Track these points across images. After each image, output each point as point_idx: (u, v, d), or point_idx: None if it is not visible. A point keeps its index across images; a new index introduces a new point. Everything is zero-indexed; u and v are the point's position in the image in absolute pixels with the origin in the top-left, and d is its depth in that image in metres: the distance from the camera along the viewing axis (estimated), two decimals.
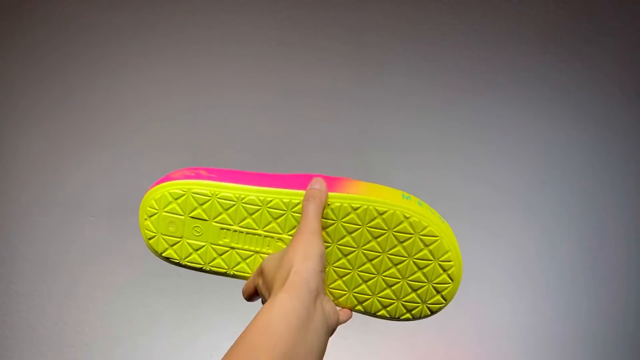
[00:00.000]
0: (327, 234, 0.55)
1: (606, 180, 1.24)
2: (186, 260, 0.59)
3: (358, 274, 0.56)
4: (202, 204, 0.57)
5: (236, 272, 0.59)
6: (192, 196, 0.57)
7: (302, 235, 0.51)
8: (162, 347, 1.33)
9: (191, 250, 0.59)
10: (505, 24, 1.17)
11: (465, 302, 1.27)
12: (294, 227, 0.56)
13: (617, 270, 1.28)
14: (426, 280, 0.55)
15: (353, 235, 0.55)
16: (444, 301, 0.56)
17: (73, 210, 1.26)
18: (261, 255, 0.57)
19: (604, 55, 1.18)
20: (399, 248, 0.55)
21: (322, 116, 1.20)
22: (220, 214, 0.57)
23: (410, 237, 0.54)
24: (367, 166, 1.22)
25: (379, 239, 0.55)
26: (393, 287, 0.56)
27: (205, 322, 1.31)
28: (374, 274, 0.56)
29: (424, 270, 0.55)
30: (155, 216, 0.58)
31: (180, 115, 1.22)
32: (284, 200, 0.56)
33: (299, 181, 0.58)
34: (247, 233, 0.57)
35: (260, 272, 0.54)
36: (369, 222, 0.55)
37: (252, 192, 0.56)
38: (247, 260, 0.58)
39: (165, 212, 0.57)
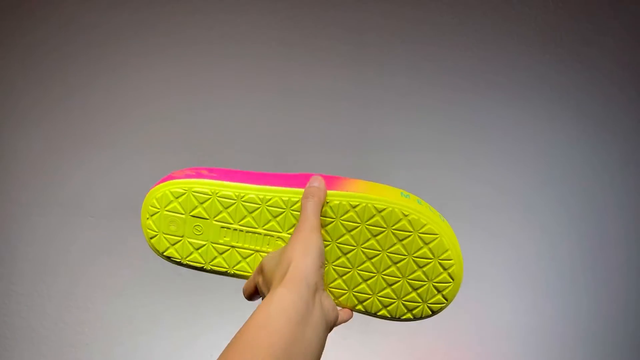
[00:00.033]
0: (327, 232, 0.55)
1: (606, 180, 1.24)
2: (187, 259, 0.59)
3: (358, 273, 0.56)
4: (202, 203, 0.57)
5: (237, 272, 0.59)
6: (193, 195, 0.57)
7: (301, 232, 0.51)
8: (162, 347, 1.33)
9: (192, 250, 0.59)
10: (505, 24, 1.17)
11: (465, 302, 1.27)
12: (293, 226, 0.56)
13: (617, 270, 1.28)
14: (426, 279, 0.55)
15: (352, 233, 0.55)
16: (445, 301, 0.56)
17: (73, 210, 1.26)
18: (261, 254, 0.58)
19: (604, 55, 1.18)
20: (398, 246, 0.55)
21: (322, 116, 1.21)
22: (220, 212, 0.57)
23: (410, 235, 0.54)
24: (367, 166, 1.22)
25: (378, 237, 0.55)
26: (393, 286, 0.56)
27: (205, 322, 1.31)
28: (373, 273, 0.56)
29: (424, 268, 0.55)
30: (157, 215, 0.58)
31: (180, 115, 1.22)
32: (283, 198, 0.56)
33: (298, 180, 0.58)
34: (247, 232, 0.57)
35: (260, 270, 0.54)
36: (368, 220, 0.55)
37: (252, 191, 0.57)
38: (248, 259, 0.58)
39: (167, 211, 0.58)
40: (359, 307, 0.57)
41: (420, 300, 0.56)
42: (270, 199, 0.56)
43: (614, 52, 1.18)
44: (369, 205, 0.54)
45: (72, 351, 1.34)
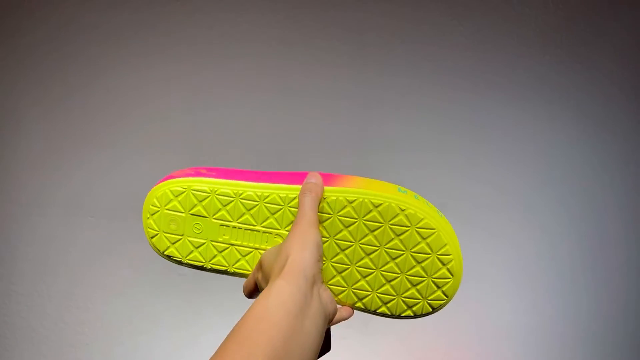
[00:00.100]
0: (324, 228, 0.56)
1: (606, 180, 1.24)
2: (187, 258, 0.59)
3: (356, 269, 0.56)
4: (201, 201, 0.57)
5: (236, 270, 0.59)
6: (192, 193, 0.57)
7: (298, 227, 0.52)
8: (162, 347, 1.33)
9: (192, 248, 0.59)
10: (505, 24, 1.17)
11: (465, 302, 1.27)
12: (291, 222, 0.56)
13: (617, 270, 1.28)
14: (425, 275, 0.55)
15: (350, 229, 0.55)
16: (445, 297, 0.56)
17: (73, 210, 1.26)
18: (260, 251, 0.58)
19: (603, 56, 1.19)
20: (396, 241, 0.55)
21: (322, 116, 1.21)
22: (219, 210, 0.57)
23: (407, 230, 0.54)
24: (367, 166, 1.22)
25: (375, 233, 0.55)
26: (392, 282, 0.56)
27: (205, 322, 1.31)
28: (372, 269, 0.56)
29: (423, 264, 0.55)
30: (157, 214, 0.58)
31: (180, 115, 1.22)
32: (281, 195, 0.56)
33: (296, 177, 0.58)
34: (246, 229, 0.58)
35: (259, 266, 0.54)
36: (365, 215, 0.55)
37: (250, 188, 0.57)
38: (247, 257, 0.58)
39: (167, 209, 0.58)
40: (359, 304, 0.57)
41: (420, 296, 0.56)
42: (268, 196, 0.56)
43: (613, 52, 1.18)
44: (366, 200, 0.54)
45: (72, 351, 1.34)
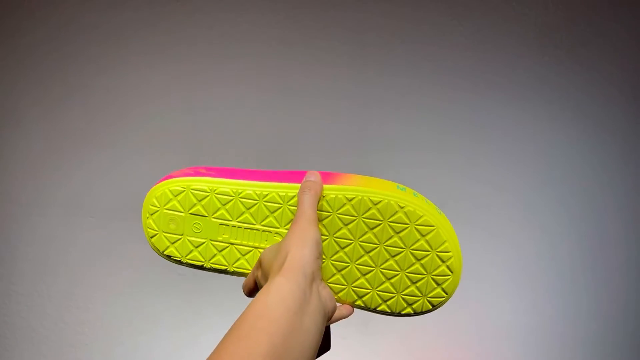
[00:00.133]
0: (324, 226, 0.56)
1: (605, 180, 1.24)
2: (187, 257, 0.59)
3: (356, 267, 0.56)
4: (201, 200, 0.57)
5: (236, 269, 0.59)
6: (191, 192, 0.57)
7: (298, 224, 0.52)
8: (162, 348, 1.33)
9: (192, 248, 0.59)
10: (505, 25, 1.17)
11: (465, 302, 1.27)
12: (290, 221, 0.57)
13: (617, 270, 1.28)
14: (425, 272, 0.55)
15: (349, 227, 0.55)
16: (445, 294, 0.56)
17: (73, 210, 1.26)
18: (259, 250, 0.58)
19: (603, 56, 1.19)
20: (395, 239, 0.55)
21: (322, 115, 1.21)
22: (218, 209, 0.58)
23: (406, 227, 0.54)
24: (367, 165, 1.22)
25: (375, 230, 0.55)
26: (392, 280, 0.56)
27: (205, 323, 1.31)
28: (372, 267, 0.56)
29: (422, 261, 0.55)
30: (157, 214, 0.58)
31: (180, 115, 1.22)
32: (280, 193, 0.56)
33: (295, 176, 0.58)
34: (246, 228, 0.58)
35: (259, 264, 0.54)
36: (364, 213, 0.55)
37: (249, 187, 0.57)
38: (247, 256, 0.58)
39: (166, 209, 0.58)
40: (359, 302, 0.57)
41: (419, 294, 0.56)
42: (267, 195, 0.57)
43: (613, 53, 1.18)
44: (365, 198, 0.54)
45: (72, 351, 1.34)
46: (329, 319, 0.52)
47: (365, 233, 0.55)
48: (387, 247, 0.55)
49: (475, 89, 1.20)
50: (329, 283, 0.57)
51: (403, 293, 0.56)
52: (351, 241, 0.56)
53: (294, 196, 0.56)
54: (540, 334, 1.31)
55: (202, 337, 1.31)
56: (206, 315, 1.30)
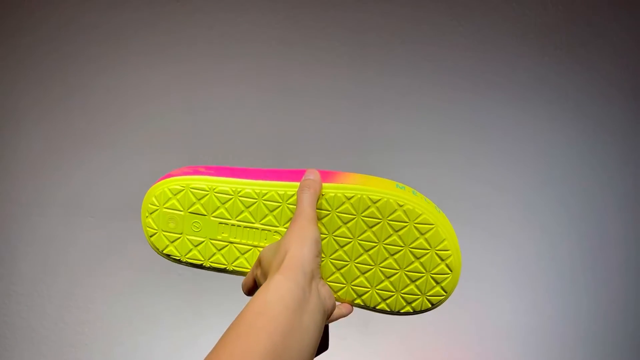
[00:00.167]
0: (323, 224, 0.56)
1: (605, 180, 1.24)
2: (186, 256, 0.59)
3: (355, 266, 0.56)
4: (200, 199, 0.57)
5: (236, 268, 0.59)
6: (191, 191, 0.57)
7: (297, 223, 0.52)
8: (162, 348, 1.33)
9: (191, 247, 0.59)
10: (504, 25, 1.17)
11: (465, 302, 1.27)
12: (289, 220, 0.56)
13: (617, 270, 1.28)
14: (424, 271, 0.55)
15: (348, 225, 0.55)
16: (444, 293, 0.56)
17: (73, 210, 1.26)
18: (259, 249, 0.58)
19: (602, 57, 1.19)
20: (394, 237, 0.55)
21: (323, 115, 1.21)
22: (218, 208, 0.57)
23: (405, 226, 0.54)
24: (367, 165, 1.22)
25: (374, 229, 0.55)
26: (391, 279, 0.56)
27: (205, 323, 1.31)
28: (371, 265, 0.56)
29: (421, 260, 0.55)
30: (156, 213, 0.58)
31: (180, 115, 1.22)
32: (279, 192, 0.56)
33: (294, 174, 0.58)
34: (245, 227, 0.58)
35: (258, 263, 0.54)
36: (363, 212, 0.55)
37: (248, 185, 0.57)
38: (246, 255, 0.58)
39: (166, 208, 0.58)
40: (358, 300, 0.57)
41: (419, 292, 0.56)
42: (266, 193, 0.56)
43: (612, 53, 1.18)
44: (364, 196, 0.54)
45: (72, 351, 1.34)
46: (328, 317, 0.52)
47: (365, 231, 0.55)
48: (386, 246, 0.55)
49: (475, 89, 1.20)
50: (329, 282, 0.57)
51: (402, 291, 0.56)
52: (350, 240, 0.56)
53: (293, 195, 0.56)
54: (540, 334, 1.31)
55: (202, 337, 1.31)
56: (206, 315, 1.30)
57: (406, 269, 0.55)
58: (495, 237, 1.26)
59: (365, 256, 0.56)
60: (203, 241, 0.59)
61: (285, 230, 0.56)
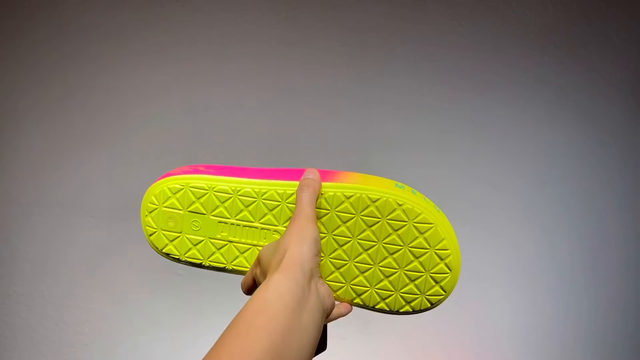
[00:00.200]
0: (322, 224, 0.56)
1: (605, 180, 1.24)
2: (186, 255, 0.59)
3: (354, 265, 0.56)
4: (199, 198, 0.57)
5: (235, 267, 0.59)
6: (190, 190, 0.57)
7: (296, 222, 0.52)
8: (162, 348, 1.33)
9: (190, 246, 0.59)
10: (504, 25, 1.17)
11: (465, 302, 1.27)
12: (289, 219, 0.56)
13: (617, 270, 1.28)
14: (423, 270, 0.55)
15: (347, 224, 0.55)
16: (443, 292, 0.56)
17: (73, 210, 1.26)
18: (258, 248, 0.58)
19: (602, 57, 1.19)
20: (393, 237, 0.55)
21: (323, 115, 1.21)
22: (217, 207, 0.57)
23: (405, 225, 0.54)
24: (367, 165, 1.22)
25: (373, 228, 0.55)
26: (390, 278, 0.56)
27: (205, 323, 1.31)
28: (370, 265, 0.56)
29: (421, 259, 0.55)
30: (156, 212, 0.58)
31: (180, 115, 1.22)
32: (279, 191, 0.56)
33: (293, 174, 0.58)
34: (244, 226, 0.58)
35: (258, 262, 0.54)
36: (363, 211, 0.55)
37: (247, 184, 0.57)
38: (245, 254, 0.58)
39: (165, 207, 0.58)
40: (357, 300, 0.57)
41: (418, 291, 0.56)
42: (265, 192, 0.56)
43: (612, 53, 1.18)
44: (363, 195, 0.54)
45: (72, 351, 1.34)
46: (328, 316, 0.52)
47: (364, 231, 0.55)
48: (385, 245, 0.55)
49: (475, 89, 1.20)
50: (328, 281, 0.57)
51: (401, 291, 0.56)
52: (350, 239, 0.56)
53: (292, 194, 0.56)
54: (540, 334, 1.31)
55: (202, 338, 1.31)
56: (206, 315, 1.30)
57: (405, 268, 0.55)
58: (495, 237, 1.26)
59: (364, 255, 0.56)
60: (202, 240, 0.59)
61: (284, 229, 0.56)
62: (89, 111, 1.22)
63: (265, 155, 1.23)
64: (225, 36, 1.18)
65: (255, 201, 0.57)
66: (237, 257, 0.59)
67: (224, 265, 0.59)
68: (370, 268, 0.56)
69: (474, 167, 1.23)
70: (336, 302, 0.57)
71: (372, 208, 0.54)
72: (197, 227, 0.58)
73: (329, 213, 0.55)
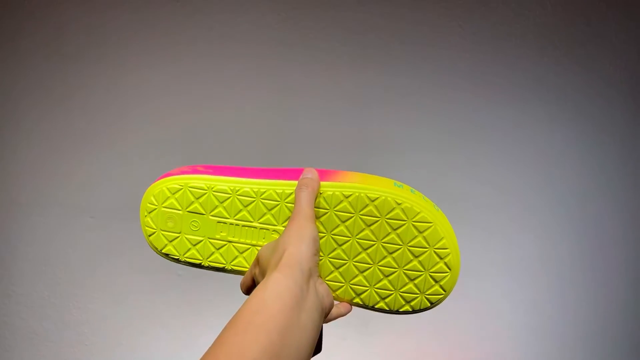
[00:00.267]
0: (321, 223, 0.56)
1: (604, 180, 1.24)
2: (185, 256, 0.59)
3: (354, 265, 0.56)
4: (198, 198, 0.57)
5: (234, 267, 0.59)
6: (189, 190, 0.57)
7: (295, 222, 0.52)
8: (162, 348, 1.33)
9: (190, 246, 0.59)
10: (503, 26, 1.17)
11: (465, 302, 1.27)
12: (288, 218, 0.57)
13: (617, 270, 1.28)
14: (423, 269, 0.55)
15: (346, 224, 0.55)
16: (443, 292, 0.56)
17: (73, 210, 1.26)
18: (257, 248, 0.58)
19: (601, 57, 1.19)
20: (392, 236, 0.55)
21: (322, 116, 1.21)
22: (216, 207, 0.58)
23: (404, 224, 0.54)
24: (367, 166, 1.22)
25: (372, 227, 0.55)
26: (390, 277, 0.56)
27: (205, 323, 1.31)
28: (369, 264, 0.56)
29: (420, 258, 0.55)
30: (155, 212, 0.58)
31: (180, 115, 1.22)
32: (277, 191, 0.56)
33: (292, 173, 0.58)
34: (243, 226, 0.58)
35: (257, 262, 0.54)
36: (362, 210, 0.55)
37: (246, 184, 0.57)
38: (244, 254, 0.58)
39: (164, 207, 0.58)
40: (357, 299, 0.57)
41: (417, 291, 0.56)
42: (264, 192, 0.57)
43: (611, 54, 1.18)
44: (362, 194, 0.54)
45: (72, 351, 1.34)
46: (326, 315, 0.52)
47: (363, 230, 0.55)
48: (384, 244, 0.55)
49: (475, 90, 1.20)
50: (327, 281, 0.57)
51: (401, 290, 0.56)
52: (349, 238, 0.56)
53: (291, 193, 0.56)
54: (540, 334, 1.31)
55: (202, 338, 1.31)
56: (206, 315, 1.30)
57: (405, 268, 0.55)
58: (495, 237, 1.26)
59: (363, 255, 0.56)
60: (202, 240, 0.59)
61: (284, 228, 0.56)
62: (89, 111, 1.22)
63: (265, 155, 1.23)
64: (225, 36, 1.18)
65: (254, 201, 0.57)
66: (236, 257, 0.59)
67: (223, 266, 0.59)
68: (370, 267, 0.56)
69: (474, 167, 1.23)
70: (336, 302, 0.57)
71: (371, 207, 0.54)
72: (197, 227, 0.58)
73: (327, 212, 0.55)
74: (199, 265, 0.60)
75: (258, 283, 0.53)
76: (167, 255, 0.60)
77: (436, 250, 0.54)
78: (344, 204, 0.55)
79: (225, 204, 0.57)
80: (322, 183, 0.56)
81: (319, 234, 0.55)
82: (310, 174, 0.56)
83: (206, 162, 1.18)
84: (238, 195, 0.57)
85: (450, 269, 0.55)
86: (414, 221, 0.54)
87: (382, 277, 0.56)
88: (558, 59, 1.18)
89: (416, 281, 0.56)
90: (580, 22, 1.17)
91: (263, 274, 0.51)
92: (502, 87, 1.20)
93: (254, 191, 0.57)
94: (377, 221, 0.55)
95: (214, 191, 0.57)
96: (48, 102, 1.21)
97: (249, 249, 0.58)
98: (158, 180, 0.59)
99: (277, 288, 0.44)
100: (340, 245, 0.56)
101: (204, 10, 1.17)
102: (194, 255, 0.59)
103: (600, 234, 1.27)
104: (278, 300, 0.43)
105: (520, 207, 1.25)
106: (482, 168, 1.23)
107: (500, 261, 1.27)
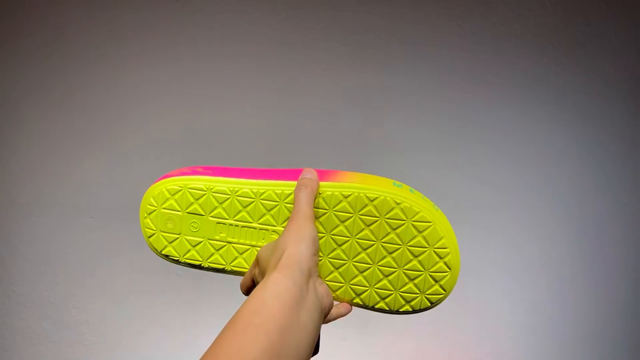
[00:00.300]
0: (321, 223, 0.56)
1: (604, 180, 1.24)
2: (185, 257, 0.59)
3: (353, 265, 0.56)
4: (198, 199, 0.57)
5: (234, 268, 0.59)
6: (189, 191, 0.57)
7: (294, 222, 0.51)
8: (162, 348, 1.33)
9: (189, 247, 0.59)
10: (503, 26, 1.17)
11: (465, 302, 1.27)
12: (287, 219, 0.56)
13: (617, 270, 1.28)
14: (422, 269, 0.55)
15: (346, 224, 0.55)
16: (443, 291, 0.56)
17: (73, 210, 1.26)
18: (257, 249, 0.58)
19: (601, 57, 1.19)
20: (392, 235, 0.55)
21: (322, 116, 1.21)
22: (215, 208, 0.57)
23: (403, 224, 0.54)
24: (367, 166, 1.22)
25: (371, 227, 0.55)
26: (389, 277, 0.56)
27: (205, 323, 1.31)
28: (369, 264, 0.56)
29: (420, 258, 0.55)
30: (154, 213, 0.58)
31: (180, 115, 1.22)
32: (277, 191, 0.56)
33: (291, 174, 0.58)
34: (243, 227, 0.58)
35: (256, 262, 0.54)
36: (361, 210, 0.55)
37: (246, 185, 0.57)
38: (244, 255, 0.58)
39: (164, 208, 0.58)
40: (357, 300, 0.57)
41: (417, 291, 0.56)
42: (263, 193, 0.56)
43: (611, 54, 1.18)
44: (361, 194, 0.54)
45: (71, 351, 1.34)
46: (326, 315, 0.52)
47: (362, 230, 0.55)
48: (384, 244, 0.55)
49: (475, 90, 1.20)
50: (327, 281, 0.57)
51: (401, 290, 0.56)
52: (348, 238, 0.55)
53: (290, 194, 0.56)
54: (540, 334, 1.31)
55: (202, 338, 1.31)
56: (206, 316, 1.30)
57: (404, 268, 0.55)
58: (495, 237, 1.26)
59: (363, 255, 0.56)
60: (201, 241, 0.59)
61: (283, 229, 0.56)
62: (89, 111, 1.22)
63: (264, 155, 1.23)
64: (225, 36, 1.18)
65: (253, 201, 0.57)
66: (236, 258, 0.59)
67: (223, 266, 0.59)
68: (370, 267, 0.56)
69: (474, 167, 1.23)
70: (335, 302, 0.57)
71: (370, 207, 0.54)
72: (196, 228, 0.58)
73: (327, 212, 0.55)
74: (199, 266, 0.60)
75: (258, 283, 0.54)
76: (167, 257, 0.60)
77: (436, 249, 0.54)
78: (343, 204, 0.55)
79: (224, 205, 0.57)
80: (321, 183, 0.55)
81: (319, 234, 0.55)
82: (309, 174, 0.56)
83: (206, 162, 1.18)
84: (237, 196, 0.57)
85: (450, 269, 0.55)
86: (413, 221, 0.54)
87: (382, 277, 0.56)
88: (558, 59, 1.18)
89: (416, 281, 0.55)
90: (580, 22, 1.17)
91: (263, 275, 0.51)
92: (502, 87, 1.20)
93: (253, 192, 0.57)
94: (376, 221, 0.54)
95: (213, 192, 0.57)
96: (48, 102, 1.21)
97: (248, 249, 0.58)
98: (157, 181, 0.59)
99: (276, 288, 0.44)
100: (340, 246, 0.56)
101: (204, 10, 1.17)
102: (193, 256, 0.59)
103: (600, 234, 1.27)
104: (277, 300, 0.43)
105: (520, 207, 1.25)
106: (482, 168, 1.23)
107: (500, 261, 1.27)
